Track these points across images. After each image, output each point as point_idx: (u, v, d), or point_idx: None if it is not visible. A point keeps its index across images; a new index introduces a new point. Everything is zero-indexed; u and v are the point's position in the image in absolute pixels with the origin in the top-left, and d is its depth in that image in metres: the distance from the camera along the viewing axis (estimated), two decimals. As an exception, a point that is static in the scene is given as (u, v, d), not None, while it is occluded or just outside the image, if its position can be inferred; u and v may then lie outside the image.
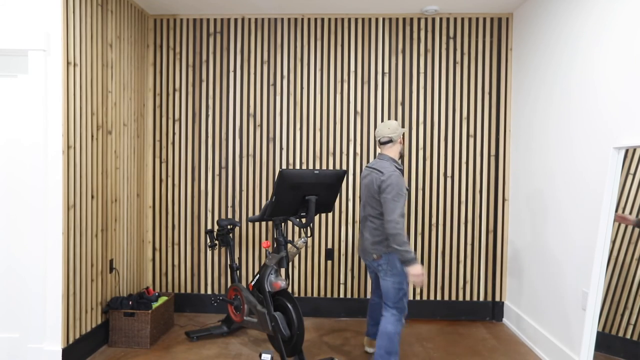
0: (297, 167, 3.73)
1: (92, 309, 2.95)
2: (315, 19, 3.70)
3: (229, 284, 3.80)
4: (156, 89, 3.76)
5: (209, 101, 3.75)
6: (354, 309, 3.73)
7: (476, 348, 3.13)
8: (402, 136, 2.67)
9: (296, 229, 3.76)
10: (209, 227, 3.78)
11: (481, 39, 3.65)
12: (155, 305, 3.18)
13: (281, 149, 3.73)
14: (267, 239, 3.78)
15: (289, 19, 3.71)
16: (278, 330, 2.72)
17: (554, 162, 2.90)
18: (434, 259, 3.71)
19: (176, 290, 3.81)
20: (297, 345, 2.72)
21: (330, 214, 3.73)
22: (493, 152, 3.67)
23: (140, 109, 3.64)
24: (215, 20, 3.73)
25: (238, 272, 3.72)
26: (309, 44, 3.71)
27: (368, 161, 3.71)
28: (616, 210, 2.17)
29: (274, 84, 3.73)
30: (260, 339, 3.26)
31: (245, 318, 3.05)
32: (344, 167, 3.71)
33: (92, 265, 2.93)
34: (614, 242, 2.16)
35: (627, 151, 2.16)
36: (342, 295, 3.75)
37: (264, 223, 3.78)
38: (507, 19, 3.64)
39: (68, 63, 2.67)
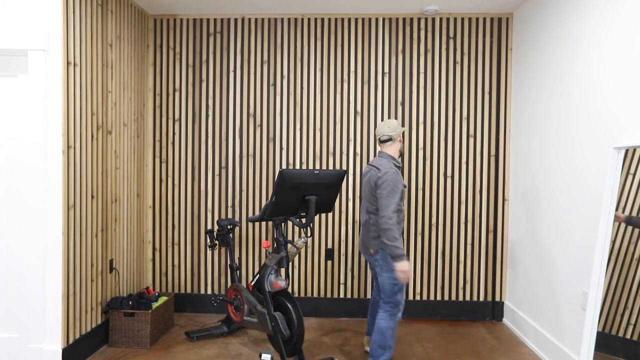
0: (297, 167, 3.73)
1: (92, 309, 2.95)
2: (315, 19, 3.70)
3: (229, 284, 3.80)
4: (156, 89, 3.77)
5: (209, 101, 3.75)
6: (354, 309, 3.73)
7: (476, 348, 3.13)
8: (402, 135, 2.73)
9: (296, 229, 3.76)
10: (209, 227, 3.78)
11: (481, 39, 3.65)
12: (155, 305, 3.18)
13: (281, 149, 3.73)
14: (267, 239, 3.78)
15: (289, 19, 3.71)
16: (278, 330, 2.72)
17: (554, 162, 2.90)
18: (434, 259, 3.71)
19: (176, 290, 3.81)
20: (297, 345, 2.72)
21: (330, 214, 3.73)
22: (493, 152, 3.67)
23: (140, 109, 3.64)
24: (215, 20, 3.73)
25: (238, 272, 3.72)
26: (309, 44, 3.71)
27: (368, 161, 3.71)
28: (616, 210, 2.17)
29: (274, 84, 3.73)
30: (260, 339, 3.26)
31: (245, 318, 3.05)
32: (344, 167, 3.71)
33: (92, 265, 2.93)
34: (614, 242, 2.16)
35: (627, 151, 2.16)
36: (342, 295, 3.75)
37: (264, 223, 3.78)
38: (507, 19, 3.64)
39: (68, 63, 2.67)
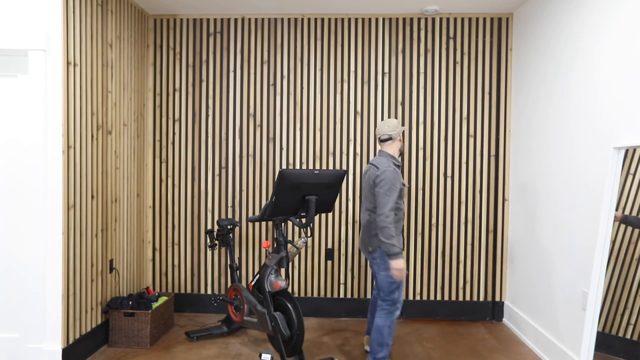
0: (297, 167, 3.73)
1: (92, 309, 2.95)
2: (315, 19, 3.70)
3: (229, 284, 3.80)
4: (156, 89, 3.77)
5: (209, 101, 3.75)
6: (354, 309, 3.73)
7: (476, 348, 3.13)
8: (402, 134, 2.76)
9: (296, 229, 3.76)
10: (209, 227, 3.78)
11: (481, 39, 3.65)
12: (155, 305, 3.18)
13: (281, 149, 3.73)
14: (267, 239, 3.78)
15: (289, 19, 3.71)
16: (278, 330, 2.72)
17: (554, 162, 2.90)
18: (434, 259, 3.71)
19: (176, 290, 3.81)
20: (297, 345, 2.72)
21: (330, 214, 3.73)
22: (493, 152, 3.67)
23: (140, 109, 3.64)
24: (215, 20, 3.73)
25: (238, 272, 3.72)
26: (309, 44, 3.71)
27: (368, 161, 3.71)
28: (616, 210, 2.17)
29: (274, 84, 3.73)
30: (260, 339, 3.26)
31: (245, 318, 3.05)
32: (344, 167, 3.71)
33: (92, 265, 2.93)
34: (614, 242, 2.16)
35: (627, 151, 2.16)
36: (342, 295, 3.75)
37: (264, 223, 3.78)
38: (507, 19, 3.64)
39: (68, 63, 2.67)
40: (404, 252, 3.71)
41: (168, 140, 3.77)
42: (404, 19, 3.67)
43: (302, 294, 3.76)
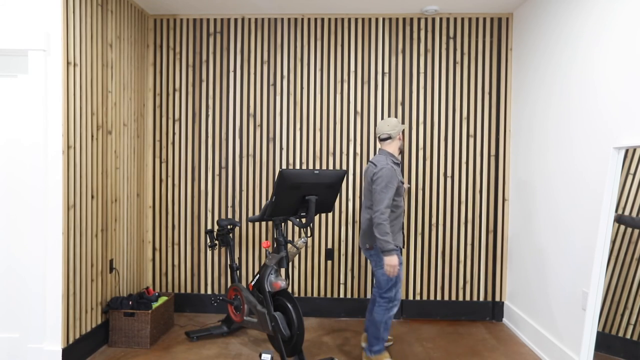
0: (297, 167, 3.73)
1: (92, 309, 2.95)
2: (315, 19, 3.70)
3: (229, 284, 3.80)
4: (156, 89, 3.77)
5: (209, 101, 3.75)
6: (354, 309, 3.73)
7: (476, 348, 3.13)
8: (402, 132, 2.84)
9: (296, 229, 3.76)
10: (209, 227, 3.78)
11: (481, 39, 3.65)
12: (155, 305, 3.18)
13: (281, 149, 3.73)
14: (267, 239, 3.78)
15: (289, 19, 3.71)
16: (278, 330, 2.72)
17: (554, 162, 2.90)
18: (434, 259, 3.71)
19: (176, 290, 3.81)
20: (297, 345, 2.72)
21: (330, 214, 3.73)
22: (493, 152, 3.67)
23: (140, 109, 3.64)
24: (215, 20, 3.73)
25: (238, 272, 3.72)
26: (309, 44, 3.71)
27: (368, 161, 3.71)
28: (616, 210, 2.17)
29: (274, 84, 3.73)
30: (260, 339, 3.26)
31: (245, 318, 3.05)
32: (344, 167, 3.71)
33: (92, 265, 2.93)
34: (614, 242, 2.16)
35: (627, 151, 2.16)
36: (342, 295, 3.75)
37: (264, 223, 3.78)
38: (507, 19, 3.64)
39: (68, 63, 2.67)
40: (404, 251, 3.71)
41: (168, 140, 3.77)
42: (404, 19, 3.67)
43: (302, 294, 3.76)
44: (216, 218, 3.78)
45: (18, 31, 2.59)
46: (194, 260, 3.79)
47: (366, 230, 2.76)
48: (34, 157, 2.61)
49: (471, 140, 3.67)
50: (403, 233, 2.82)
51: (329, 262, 3.75)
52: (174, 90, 3.76)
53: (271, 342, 2.93)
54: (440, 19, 3.66)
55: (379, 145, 3.54)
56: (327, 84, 3.71)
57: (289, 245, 3.00)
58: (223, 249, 3.79)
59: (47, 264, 2.63)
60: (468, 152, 3.67)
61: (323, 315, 3.74)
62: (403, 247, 2.81)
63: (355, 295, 3.74)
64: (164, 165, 3.78)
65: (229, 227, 3.32)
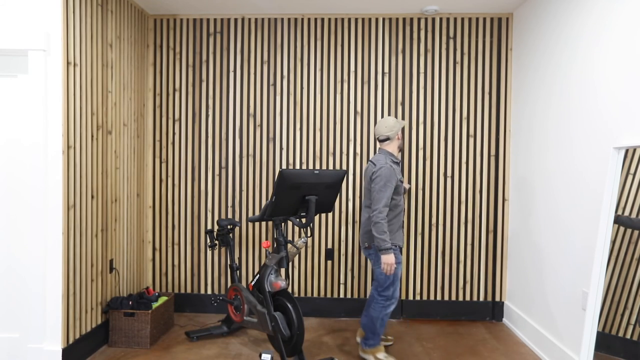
0: (297, 167, 3.73)
1: (92, 309, 2.95)
2: (315, 19, 3.70)
3: (229, 284, 3.80)
4: (156, 89, 3.76)
5: (209, 101, 3.75)
6: (354, 309, 3.73)
7: (476, 348, 3.13)
8: (401, 131, 2.86)
9: (296, 229, 3.76)
10: (209, 227, 3.78)
11: (481, 39, 3.65)
12: (155, 305, 3.18)
13: (281, 149, 3.73)
14: (267, 239, 3.78)
15: (289, 19, 3.71)
16: (278, 330, 2.72)
17: (554, 162, 2.90)
18: (434, 259, 3.71)
19: (176, 290, 3.81)
20: (297, 345, 2.72)
21: (330, 214, 3.73)
22: (493, 152, 3.67)
23: (140, 109, 3.64)
24: (215, 20, 3.73)
25: (238, 272, 3.72)
26: (309, 44, 3.71)
27: (368, 161, 3.71)
28: (616, 211, 2.17)
29: (274, 84, 3.73)
30: (260, 339, 3.26)
31: (245, 318, 3.05)
32: (344, 167, 3.71)
33: (92, 265, 2.93)
34: (614, 242, 2.16)
35: (627, 151, 2.16)
36: (342, 295, 3.75)
37: (264, 223, 3.78)
38: (507, 19, 3.64)
39: (68, 63, 2.67)
40: (404, 251, 3.71)
41: (168, 140, 3.77)
42: (404, 19, 3.67)
43: (302, 294, 3.76)
44: (216, 218, 3.78)
45: (18, 31, 2.59)
46: (194, 260, 3.79)
47: (365, 229, 2.80)
48: (34, 157, 2.61)
49: (471, 140, 3.67)
50: (403, 232, 2.84)
51: (329, 262, 3.75)
52: (174, 90, 3.76)
53: (271, 342, 2.93)
54: (440, 19, 3.66)
55: (378, 145, 3.54)
56: (327, 84, 3.71)
57: (289, 245, 3.00)
58: (223, 249, 3.79)
59: (47, 264, 2.63)
60: (468, 152, 3.67)
61: (323, 315, 3.74)
62: (402, 245, 2.82)
63: (355, 295, 3.74)
64: (164, 165, 3.78)
65: (229, 227, 3.32)
